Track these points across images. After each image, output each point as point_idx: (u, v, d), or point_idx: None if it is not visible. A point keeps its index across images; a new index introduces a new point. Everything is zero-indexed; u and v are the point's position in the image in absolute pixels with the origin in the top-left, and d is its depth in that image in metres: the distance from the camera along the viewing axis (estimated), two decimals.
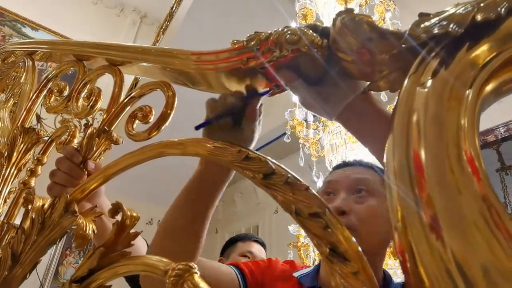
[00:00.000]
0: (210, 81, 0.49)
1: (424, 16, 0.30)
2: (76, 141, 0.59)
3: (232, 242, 1.34)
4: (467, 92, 0.27)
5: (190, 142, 0.40)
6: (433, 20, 0.30)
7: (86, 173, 0.52)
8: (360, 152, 1.27)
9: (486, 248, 0.22)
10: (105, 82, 0.64)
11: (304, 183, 0.30)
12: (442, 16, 0.30)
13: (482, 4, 0.29)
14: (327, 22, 1.70)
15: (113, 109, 0.55)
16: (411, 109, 0.28)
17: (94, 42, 0.66)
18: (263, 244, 1.31)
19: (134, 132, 0.49)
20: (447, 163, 0.24)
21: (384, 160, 0.29)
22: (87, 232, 0.44)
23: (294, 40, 0.38)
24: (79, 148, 0.53)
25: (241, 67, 0.41)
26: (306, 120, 1.46)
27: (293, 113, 1.39)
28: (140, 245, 0.78)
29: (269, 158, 0.34)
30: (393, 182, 0.26)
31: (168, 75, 0.52)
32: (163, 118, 0.47)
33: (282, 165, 0.33)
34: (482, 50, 0.28)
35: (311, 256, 1.11)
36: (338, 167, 0.74)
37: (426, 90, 0.29)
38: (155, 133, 0.48)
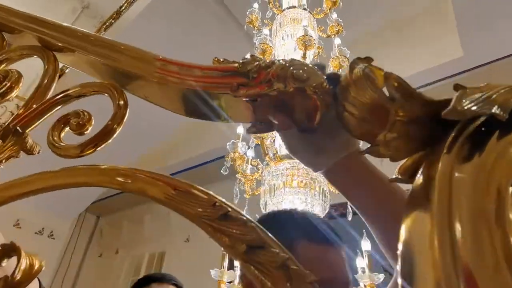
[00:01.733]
0: (173, 97, 0.39)
1: (462, 89, 0.26)
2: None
3: (146, 282, 1.17)
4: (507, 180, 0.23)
5: (143, 177, 0.30)
6: (472, 97, 0.26)
7: None
8: (295, 200, 1.24)
9: None
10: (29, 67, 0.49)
11: (306, 272, 0.22)
12: (480, 94, 0.26)
13: None
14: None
15: (34, 105, 0.41)
16: (451, 198, 0.23)
17: (28, 14, 0.52)
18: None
19: (61, 144, 0.36)
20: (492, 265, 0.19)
21: (403, 252, 0.23)
22: None
23: (302, 78, 0.31)
24: None
25: (228, 93, 0.33)
26: (245, 154, 1.40)
27: (235, 145, 1.32)
28: None
29: (256, 223, 0.25)
30: None
31: (116, 77, 0.41)
32: (106, 133, 0.35)
33: (272, 236, 0.25)
34: None
35: None
36: None
37: (462, 175, 0.24)
38: (90, 151, 0.36)
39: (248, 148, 1.34)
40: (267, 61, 0.33)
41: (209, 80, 0.34)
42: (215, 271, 1.05)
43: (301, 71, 0.32)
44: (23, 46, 0.49)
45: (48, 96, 0.42)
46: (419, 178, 0.27)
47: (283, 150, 1.30)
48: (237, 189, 1.24)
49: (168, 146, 4.19)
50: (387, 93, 0.29)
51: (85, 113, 0.37)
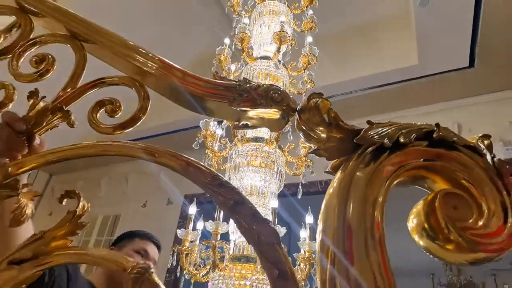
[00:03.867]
0: (178, 95, 0.54)
1: (371, 124, 0.45)
2: (11, 106, 0.54)
3: (129, 236, 1.30)
4: (386, 182, 0.42)
5: (165, 153, 0.45)
6: (375, 130, 0.44)
7: (27, 147, 0.49)
8: (256, 177, 1.42)
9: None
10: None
11: (265, 218, 0.40)
12: (381, 129, 0.44)
13: (403, 131, 0.44)
14: (256, 50, 1.84)
15: (69, 89, 0.53)
16: (350, 187, 0.41)
17: (57, 5, 0.62)
18: (159, 248, 1.31)
19: (97, 122, 0.50)
20: (366, 230, 0.38)
21: (322, 218, 0.41)
22: (26, 212, 0.43)
23: (277, 99, 0.47)
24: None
25: (225, 102, 0.49)
26: (215, 133, 1.55)
27: (208, 124, 1.46)
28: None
29: (238, 189, 0.42)
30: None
31: (134, 71, 0.54)
32: (133, 120, 0.50)
33: (248, 199, 0.42)
34: (396, 159, 0.44)
35: (196, 262, 1.18)
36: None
37: (360, 174, 0.42)
38: (119, 132, 0.50)
39: (218, 127, 1.49)
40: (255, 84, 0.49)
41: (212, 91, 0.50)
42: (181, 230, 1.21)
43: (277, 94, 0.48)
44: (56, 34, 0.60)
45: (79, 83, 0.54)
46: (338, 173, 0.45)
47: (250, 133, 1.47)
48: (206, 163, 1.40)
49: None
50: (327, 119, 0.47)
51: (117, 102, 0.51)
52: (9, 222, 0.42)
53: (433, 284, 6.71)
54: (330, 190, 0.44)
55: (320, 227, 0.42)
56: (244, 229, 0.39)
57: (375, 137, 0.44)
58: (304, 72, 1.68)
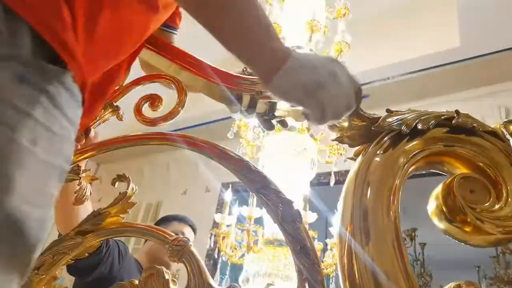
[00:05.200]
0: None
1: (389, 112, 0.47)
2: None
3: (168, 220, 1.40)
4: (403, 166, 0.45)
5: (202, 142, 0.51)
6: (394, 117, 0.47)
7: (84, 138, 0.57)
8: (289, 166, 1.46)
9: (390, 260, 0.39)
10: None
11: (289, 199, 0.44)
12: (400, 117, 0.47)
13: (422, 118, 0.46)
14: (288, 40, 1.86)
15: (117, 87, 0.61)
16: (367, 171, 0.44)
17: None
18: (195, 231, 1.40)
19: (142, 115, 0.56)
20: (382, 211, 0.41)
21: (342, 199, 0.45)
22: (86, 193, 0.50)
23: None
24: None
25: (253, 94, 0.53)
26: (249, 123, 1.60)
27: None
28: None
29: (265, 173, 0.47)
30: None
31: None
32: (173, 113, 0.56)
33: (273, 182, 0.46)
34: (414, 145, 0.46)
35: (230, 245, 1.26)
36: None
37: (378, 159, 0.45)
38: (161, 123, 0.56)
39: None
40: None
41: (241, 86, 0.55)
42: (218, 214, 1.29)
43: None
44: None
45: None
46: (359, 157, 0.49)
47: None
48: (240, 152, 1.46)
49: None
50: None
51: (158, 97, 0.57)
52: (73, 201, 0.50)
53: (479, 277, 6.41)
54: (350, 174, 0.47)
55: (340, 205, 0.46)
56: (269, 208, 0.44)
57: (394, 124, 0.46)
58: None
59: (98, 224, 0.46)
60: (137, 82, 0.59)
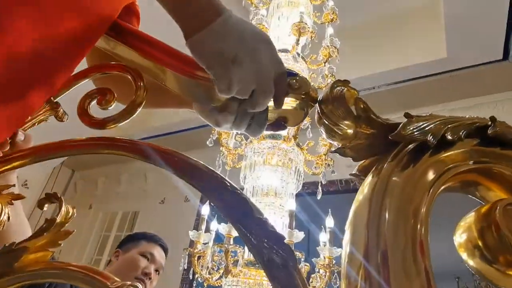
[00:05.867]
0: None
1: (409, 118, 0.36)
2: None
3: (135, 238, 1.26)
4: (430, 189, 0.34)
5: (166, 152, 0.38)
6: (416, 124, 0.36)
7: (9, 143, 0.43)
8: (273, 176, 1.35)
9: None
10: None
11: (279, 233, 0.32)
12: (421, 124, 0.36)
13: (450, 125, 0.36)
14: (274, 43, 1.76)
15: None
16: (384, 194, 0.33)
17: None
18: (166, 251, 1.26)
19: (88, 115, 0.43)
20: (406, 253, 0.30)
21: (350, 228, 0.33)
22: (1, 218, 0.37)
23: (295, 86, 0.40)
24: None
25: None
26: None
27: None
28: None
29: (245, 196, 0.35)
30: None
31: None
32: (126, 113, 0.43)
33: (256, 207, 0.34)
34: (442, 160, 0.35)
35: (207, 267, 1.12)
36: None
37: (397, 179, 0.34)
38: (112, 126, 0.43)
39: None
40: None
41: None
42: (193, 232, 1.15)
43: (294, 81, 0.40)
44: None
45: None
46: (370, 175, 0.37)
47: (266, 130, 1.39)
48: (220, 161, 1.33)
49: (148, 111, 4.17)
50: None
51: (110, 94, 0.45)
52: None
53: None
54: (359, 196, 0.35)
55: (347, 237, 0.34)
56: (251, 245, 0.32)
57: (416, 133, 0.35)
58: (324, 66, 1.59)
59: (9, 265, 0.33)
60: (83, 74, 0.46)
